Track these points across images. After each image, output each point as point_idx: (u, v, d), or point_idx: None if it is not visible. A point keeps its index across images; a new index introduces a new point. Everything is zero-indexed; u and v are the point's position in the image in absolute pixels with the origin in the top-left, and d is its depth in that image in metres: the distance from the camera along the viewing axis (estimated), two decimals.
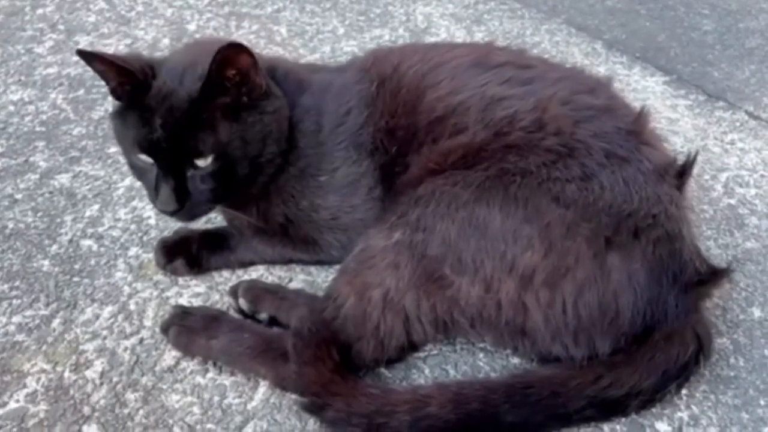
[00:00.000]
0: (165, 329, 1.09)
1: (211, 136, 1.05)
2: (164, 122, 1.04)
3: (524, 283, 0.96)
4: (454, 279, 0.98)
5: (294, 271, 1.25)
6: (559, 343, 0.98)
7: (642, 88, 1.81)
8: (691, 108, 1.74)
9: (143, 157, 1.08)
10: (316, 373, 0.94)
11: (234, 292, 1.14)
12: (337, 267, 1.22)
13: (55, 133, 1.66)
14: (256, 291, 1.13)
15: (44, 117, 1.73)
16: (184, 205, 1.08)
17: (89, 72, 1.90)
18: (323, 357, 0.96)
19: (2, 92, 1.84)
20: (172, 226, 1.36)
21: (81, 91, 1.83)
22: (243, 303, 1.12)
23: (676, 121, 1.69)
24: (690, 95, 1.79)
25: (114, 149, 1.59)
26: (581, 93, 1.12)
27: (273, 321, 1.12)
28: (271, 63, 1.21)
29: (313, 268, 1.25)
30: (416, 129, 1.13)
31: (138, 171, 1.13)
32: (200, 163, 1.06)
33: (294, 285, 1.23)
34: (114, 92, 1.10)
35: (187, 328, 1.07)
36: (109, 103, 1.75)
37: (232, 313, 1.15)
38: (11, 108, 1.78)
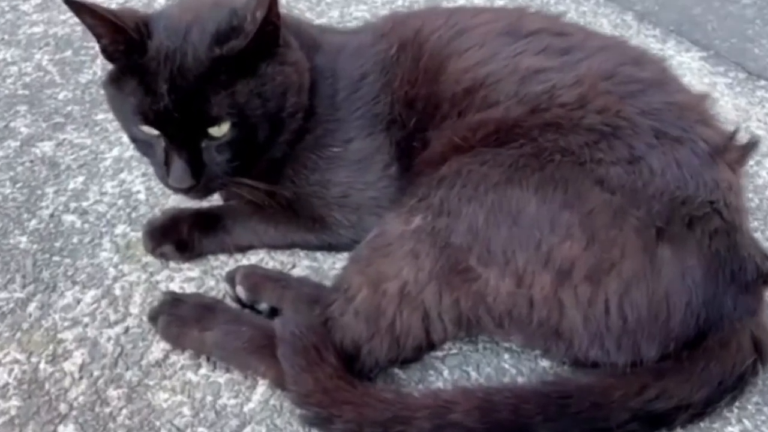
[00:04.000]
0: (153, 318, 0.97)
1: (227, 98, 0.92)
2: (171, 87, 0.91)
3: (562, 277, 0.84)
4: (481, 271, 0.86)
5: (298, 256, 1.13)
6: (599, 347, 0.86)
7: (677, 64, 1.66)
8: (731, 86, 1.60)
9: (147, 129, 0.95)
10: (315, 381, 0.83)
11: (231, 279, 1.02)
12: (346, 254, 1.11)
13: (38, 97, 1.53)
14: (256, 278, 1.00)
15: (27, 79, 1.59)
16: (200, 180, 0.96)
17: (77, 32, 1.76)
18: (319, 361, 0.85)
19: None
20: (163, 202, 1.24)
21: (68, 53, 1.69)
22: (241, 291, 1.00)
23: (715, 100, 1.55)
24: (729, 72, 1.65)
25: (102, 116, 1.46)
26: (626, 65, 0.99)
27: (274, 312, 1.00)
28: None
29: (318, 254, 1.13)
30: (439, 101, 1.00)
31: (142, 145, 1.00)
32: (215, 131, 0.94)
33: (297, 272, 1.11)
34: (105, 52, 0.97)
35: (179, 318, 0.95)
36: (99, 66, 1.62)
37: (229, 301, 1.03)
38: None
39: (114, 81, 0.97)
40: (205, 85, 0.91)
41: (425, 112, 1.01)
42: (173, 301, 0.98)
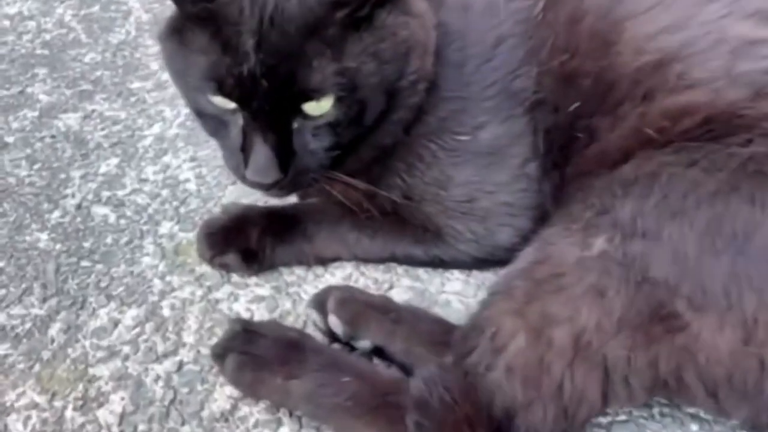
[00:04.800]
0: (220, 355, 0.72)
1: (333, 64, 0.67)
2: (260, 44, 0.67)
3: None
4: (691, 318, 0.61)
5: (395, 273, 0.87)
6: None
7: None
8: None
9: (221, 100, 0.70)
10: None
11: (320, 305, 0.77)
12: (457, 273, 0.87)
13: (60, 59, 1.27)
14: (356, 307, 0.75)
15: (48, 37, 1.33)
16: (287, 172, 0.72)
17: None
18: None
19: None
20: (219, 194, 0.99)
21: (95, 8, 1.42)
22: (336, 323, 0.75)
23: None
24: None
25: (138, 84, 1.20)
26: None
27: (377, 351, 0.76)
28: None
29: (422, 271, 0.87)
30: (613, 78, 0.74)
31: (210, 122, 0.75)
32: (313, 108, 0.69)
33: (396, 293, 0.85)
34: None
35: (254, 359, 0.70)
36: (132, 25, 1.36)
37: (313, 330, 0.80)
38: (6, 23, 1.38)
39: (176, 32, 0.71)
40: (308, 43, 0.66)
41: (591, 93, 0.75)
42: (245, 334, 0.73)
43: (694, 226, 0.63)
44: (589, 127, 0.75)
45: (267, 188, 0.74)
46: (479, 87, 0.79)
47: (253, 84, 0.67)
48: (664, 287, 0.62)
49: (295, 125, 0.71)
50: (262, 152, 0.70)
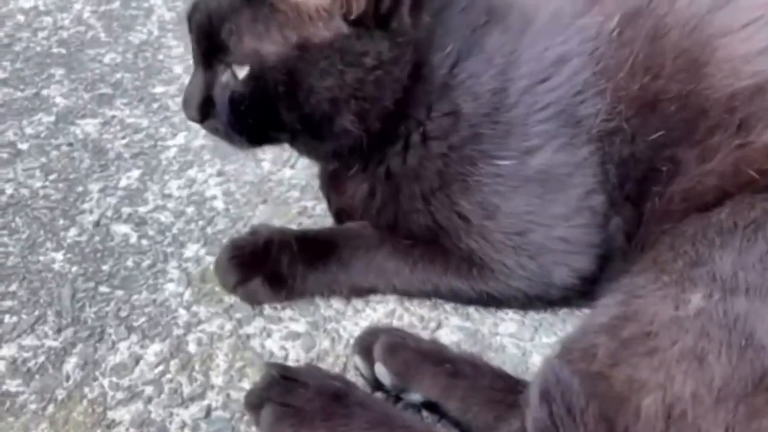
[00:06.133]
0: (255, 405, 0.64)
1: (253, 41, 0.70)
2: None
3: None
4: None
5: (443, 310, 0.80)
6: None
7: None
8: None
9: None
10: None
11: (366, 350, 0.69)
12: (512, 313, 0.79)
13: (78, 59, 1.20)
14: (406, 355, 0.67)
15: (65, 35, 1.26)
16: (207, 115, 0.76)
17: None
18: None
19: None
20: (249, 214, 0.91)
21: (116, 4, 1.35)
22: (383, 374, 0.67)
23: None
24: None
25: (161, 89, 1.13)
26: None
27: (429, 406, 0.68)
28: None
29: (472, 309, 0.80)
30: (703, 103, 0.66)
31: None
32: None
33: (444, 333, 0.78)
34: None
35: (294, 411, 0.62)
36: (155, 24, 1.29)
37: (355, 377, 0.72)
38: (20, 18, 1.31)
39: None
40: (241, 11, 0.71)
41: (677, 120, 0.67)
42: (284, 381, 0.65)
43: None
44: (674, 159, 0.68)
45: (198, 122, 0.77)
46: (528, 110, 0.72)
47: (189, 22, 0.74)
48: None
49: (224, 77, 0.72)
50: (189, 87, 0.75)
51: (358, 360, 0.70)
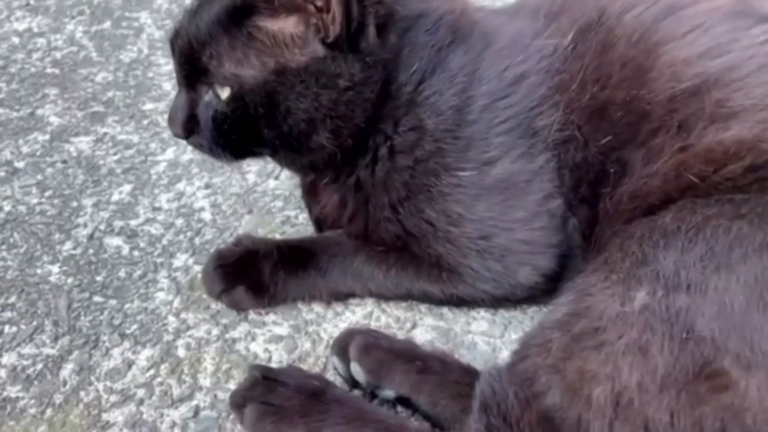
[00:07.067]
0: (238, 405, 0.69)
1: (232, 65, 0.74)
2: (193, 14, 0.78)
3: None
4: (739, 377, 0.58)
5: (418, 311, 0.85)
6: None
7: None
8: None
9: None
10: None
11: (342, 351, 0.74)
12: (483, 312, 0.84)
13: (71, 78, 1.25)
14: (379, 354, 0.72)
15: (58, 55, 1.31)
16: (192, 132, 0.80)
17: None
18: None
19: (5, 19, 1.41)
20: (235, 224, 0.96)
21: (107, 24, 1.40)
22: (358, 372, 0.72)
23: None
24: None
25: (151, 105, 1.18)
26: None
27: (402, 401, 0.73)
28: None
29: (446, 309, 0.84)
30: (646, 106, 0.71)
31: None
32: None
33: (419, 333, 0.83)
34: None
35: (274, 409, 0.67)
36: (144, 42, 1.34)
37: (333, 376, 0.77)
38: (15, 40, 1.36)
39: None
40: (222, 36, 0.76)
41: (623, 123, 0.72)
42: (265, 382, 0.69)
43: (741, 280, 0.59)
44: (621, 161, 0.72)
45: (183, 138, 0.81)
46: (488, 125, 0.77)
47: (171, 47, 0.79)
48: (710, 344, 0.59)
49: (206, 97, 0.77)
50: (174, 105, 0.80)
51: (335, 360, 0.75)
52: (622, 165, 0.73)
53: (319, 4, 0.71)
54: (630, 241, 0.65)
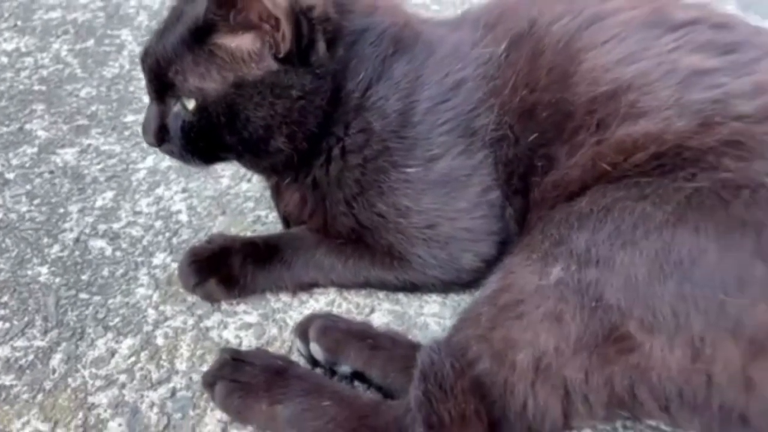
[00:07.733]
0: (210, 383, 0.77)
1: (196, 79, 0.82)
2: (161, 34, 0.86)
3: (754, 349, 0.63)
4: (643, 339, 0.66)
5: (377, 297, 0.93)
6: None
7: None
8: None
9: None
10: None
11: (303, 333, 0.82)
12: (435, 296, 0.92)
13: (57, 94, 1.33)
14: (336, 334, 0.80)
15: (44, 73, 1.39)
16: (164, 140, 0.89)
17: (100, 18, 1.56)
18: None
19: None
20: (210, 224, 1.04)
21: (90, 42, 1.49)
22: (317, 350, 0.80)
23: None
24: None
25: (132, 117, 1.26)
26: None
27: (357, 376, 0.81)
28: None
29: (401, 295, 0.93)
30: (569, 108, 0.79)
31: None
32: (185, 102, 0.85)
33: (377, 317, 0.91)
34: None
35: (242, 386, 0.75)
36: (126, 59, 1.42)
37: (298, 357, 0.85)
38: (4, 60, 1.44)
39: None
40: (186, 52, 0.83)
41: (550, 123, 0.80)
42: (234, 362, 0.78)
43: (644, 255, 0.67)
44: (548, 156, 0.81)
45: (155, 146, 0.89)
46: (431, 126, 0.85)
47: (142, 65, 0.87)
48: (617, 311, 0.67)
49: (175, 108, 0.85)
50: (147, 116, 0.88)
51: (297, 342, 0.83)
52: (549, 159, 0.81)
53: (272, 22, 0.80)
54: (550, 224, 0.73)
